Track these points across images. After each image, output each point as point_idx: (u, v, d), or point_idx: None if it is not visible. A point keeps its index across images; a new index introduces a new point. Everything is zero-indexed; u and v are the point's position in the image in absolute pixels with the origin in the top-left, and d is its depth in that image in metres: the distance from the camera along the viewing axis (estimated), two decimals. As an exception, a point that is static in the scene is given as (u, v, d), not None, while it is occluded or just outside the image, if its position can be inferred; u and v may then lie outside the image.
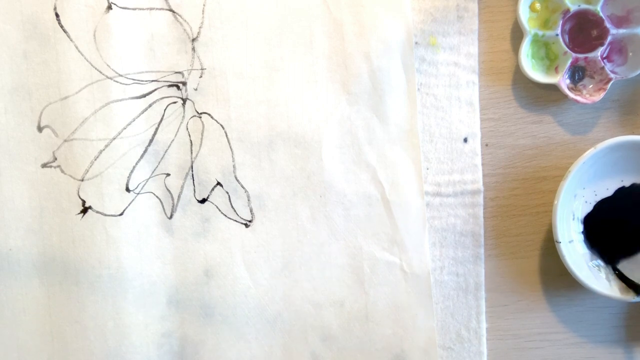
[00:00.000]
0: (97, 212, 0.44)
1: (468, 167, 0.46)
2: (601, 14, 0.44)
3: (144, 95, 0.43)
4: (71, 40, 0.42)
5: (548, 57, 0.46)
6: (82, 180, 0.43)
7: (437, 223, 0.47)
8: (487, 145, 0.47)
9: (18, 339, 0.44)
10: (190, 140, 0.44)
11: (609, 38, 0.44)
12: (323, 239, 0.45)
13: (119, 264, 0.44)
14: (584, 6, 0.44)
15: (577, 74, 0.46)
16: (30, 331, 0.44)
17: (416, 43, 0.45)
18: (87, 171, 0.43)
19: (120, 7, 0.42)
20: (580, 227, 0.46)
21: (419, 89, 0.46)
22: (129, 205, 0.44)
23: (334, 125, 0.45)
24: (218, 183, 0.45)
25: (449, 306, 0.47)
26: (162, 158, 0.44)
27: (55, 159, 0.43)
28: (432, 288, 0.47)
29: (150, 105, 0.43)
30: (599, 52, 0.45)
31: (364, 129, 0.45)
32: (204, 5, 0.43)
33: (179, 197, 0.44)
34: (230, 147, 0.44)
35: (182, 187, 0.44)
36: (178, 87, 0.44)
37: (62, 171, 0.43)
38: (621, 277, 0.46)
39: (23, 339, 0.44)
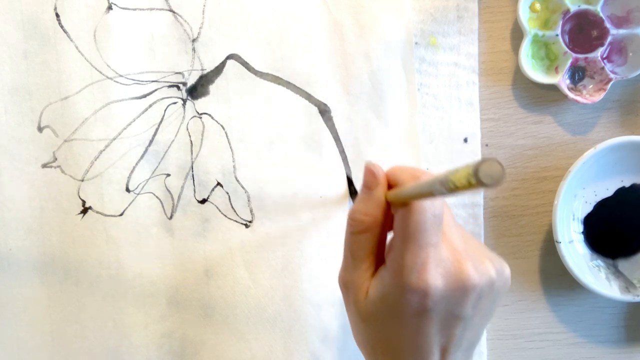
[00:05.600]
0: (97, 212, 0.44)
1: (468, 167, 0.46)
2: (601, 14, 0.44)
3: (144, 96, 0.43)
4: (71, 40, 0.42)
5: (548, 57, 0.46)
6: (82, 180, 0.43)
7: (437, 223, 0.47)
8: (487, 145, 0.47)
9: (18, 339, 0.44)
10: (191, 141, 0.44)
11: (609, 38, 0.44)
12: (323, 239, 0.45)
13: (118, 264, 0.44)
14: (584, 6, 0.44)
15: (577, 74, 0.46)
16: (30, 331, 0.44)
17: (416, 43, 0.45)
18: (87, 171, 0.43)
19: (121, 8, 0.42)
20: (580, 227, 0.46)
21: (419, 89, 0.46)
22: (129, 205, 0.44)
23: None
24: (218, 183, 0.45)
25: (449, 306, 0.47)
26: (162, 158, 0.44)
27: (56, 159, 0.43)
28: (432, 288, 0.47)
29: (150, 106, 0.43)
30: (599, 53, 0.45)
31: (364, 129, 0.45)
32: (204, 5, 0.43)
33: (179, 197, 0.44)
34: (231, 148, 0.44)
35: (182, 187, 0.44)
36: (178, 88, 0.44)
37: (62, 171, 0.43)
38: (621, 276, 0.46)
39: (23, 339, 0.44)
